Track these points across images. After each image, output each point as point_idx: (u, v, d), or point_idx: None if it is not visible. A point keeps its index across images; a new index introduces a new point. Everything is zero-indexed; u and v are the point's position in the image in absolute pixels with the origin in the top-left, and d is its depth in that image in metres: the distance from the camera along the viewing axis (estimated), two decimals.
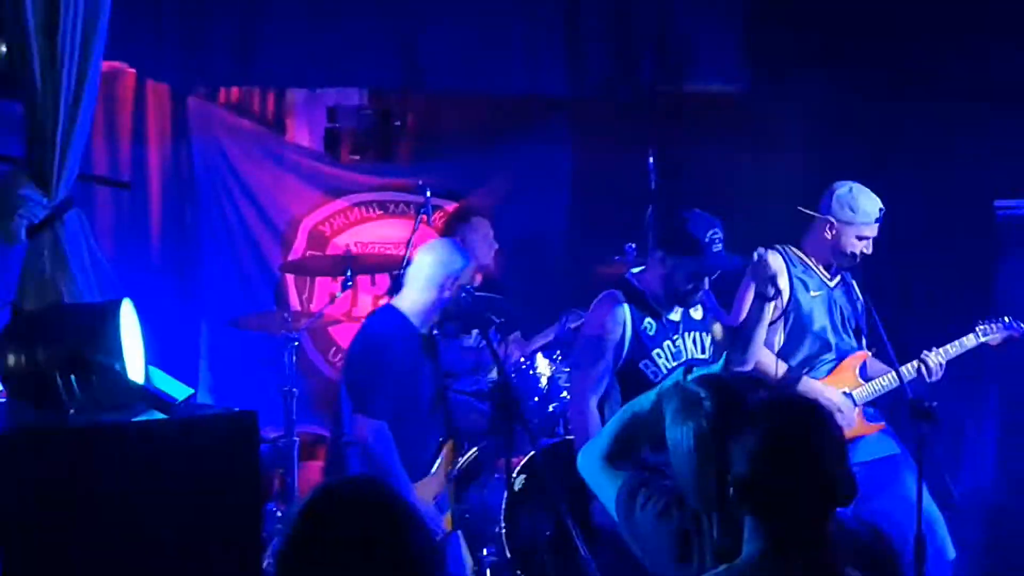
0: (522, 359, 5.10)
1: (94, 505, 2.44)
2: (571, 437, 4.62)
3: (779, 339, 4.32)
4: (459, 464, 4.94)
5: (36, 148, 3.16)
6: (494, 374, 4.91)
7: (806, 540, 1.89)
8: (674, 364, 3.86)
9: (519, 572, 4.71)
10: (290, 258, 5.89)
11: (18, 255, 3.15)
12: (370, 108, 6.39)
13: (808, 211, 4.42)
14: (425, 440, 4.41)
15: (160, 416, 2.68)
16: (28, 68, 3.06)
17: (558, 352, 5.11)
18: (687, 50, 5.37)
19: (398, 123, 6.49)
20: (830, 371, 4.41)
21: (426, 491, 4.29)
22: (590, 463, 2.57)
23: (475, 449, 4.99)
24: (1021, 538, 4.91)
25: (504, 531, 4.62)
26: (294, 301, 5.98)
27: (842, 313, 4.40)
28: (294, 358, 4.83)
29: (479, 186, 6.08)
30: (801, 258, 4.37)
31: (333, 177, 6.07)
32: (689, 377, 2.71)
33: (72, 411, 2.64)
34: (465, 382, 5.21)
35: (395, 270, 5.02)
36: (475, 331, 4.82)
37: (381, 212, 6.17)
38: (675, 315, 3.87)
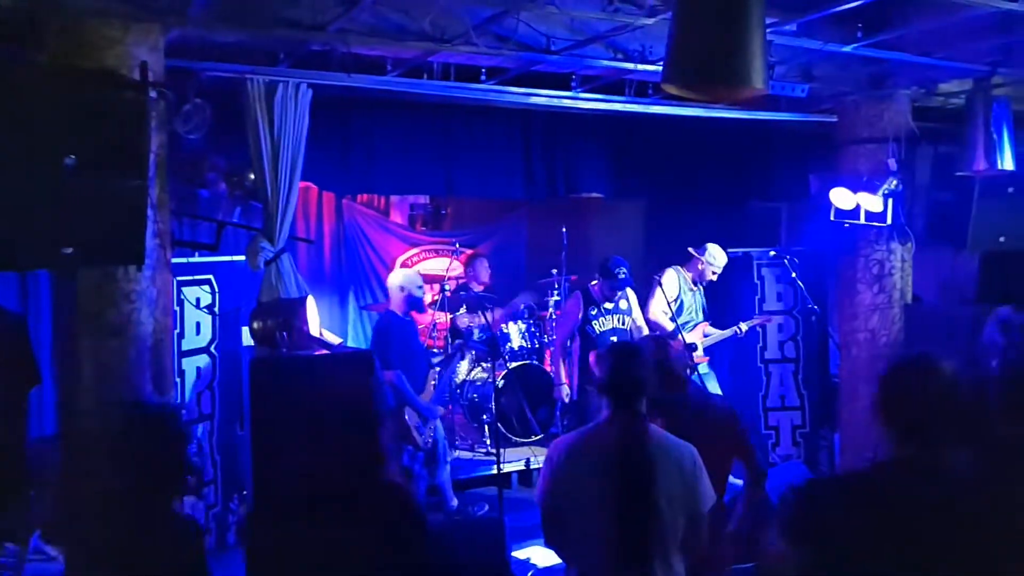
0: (502, 325, 7.40)
1: (296, 396, 3.24)
2: (527, 362, 7.20)
3: (671, 312, 6.27)
4: (465, 378, 7.06)
5: (268, 223, 4.73)
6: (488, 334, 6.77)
7: (633, 411, 2.73)
8: (605, 329, 5.91)
9: (500, 425, 6.54)
10: None
11: (260, 275, 4.83)
12: (430, 204, 8.99)
13: (694, 252, 6.60)
14: (419, 372, 5.82)
15: (324, 352, 3.76)
16: (263, 184, 4.67)
17: (519, 320, 7.48)
18: (582, 175, 6.82)
19: (444, 211, 9.11)
20: (691, 330, 6.52)
21: (425, 397, 5.76)
22: None
23: (482, 365, 7.09)
24: None
25: (492, 406, 6.64)
26: None
27: (697, 303, 6.63)
28: None
29: (482, 242, 8.73)
30: (685, 276, 6.58)
31: (412, 237, 8.61)
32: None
33: (284, 350, 3.67)
34: (476, 339, 7.30)
35: (439, 282, 7.23)
36: (479, 311, 7.04)
37: (435, 253, 8.61)
38: (608, 305, 5.94)
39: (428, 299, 7.21)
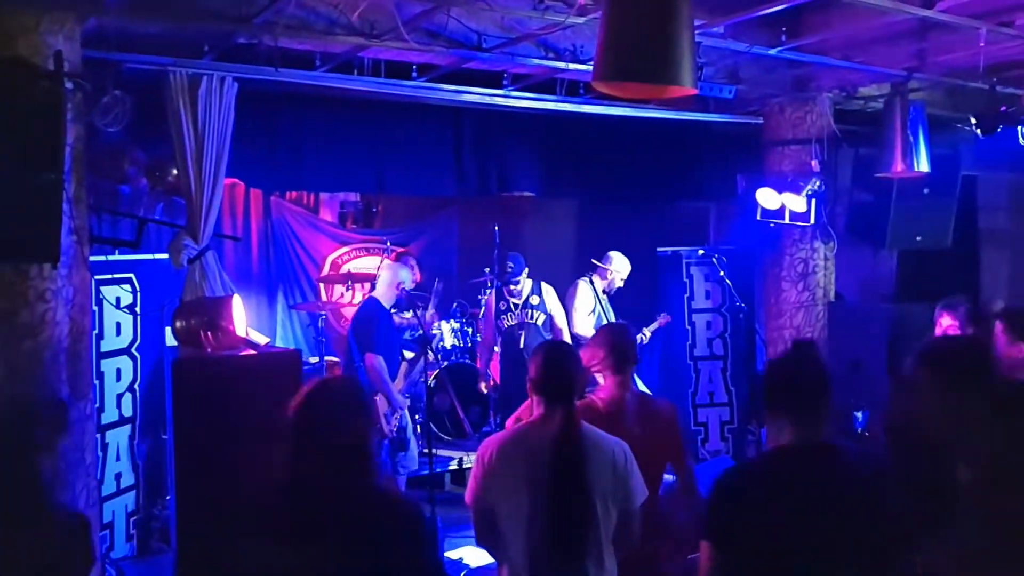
0: (434, 324, 7.40)
1: (221, 397, 3.43)
2: (461, 360, 7.29)
3: (592, 319, 6.64)
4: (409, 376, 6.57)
5: (191, 219, 4.65)
6: (419, 332, 6.60)
7: (566, 409, 2.76)
8: (512, 324, 6.34)
9: (432, 424, 6.62)
10: (321, 275, 8.16)
11: (183, 274, 4.76)
12: (361, 201, 8.80)
13: (598, 263, 6.82)
14: (394, 363, 5.90)
15: (251, 352, 3.85)
16: (187, 181, 4.60)
17: (451, 319, 7.49)
18: (513, 174, 6.84)
19: (375, 209, 8.92)
20: None
21: (399, 384, 5.88)
22: None
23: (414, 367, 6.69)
24: None
25: (424, 405, 6.59)
26: (324, 296, 8.23)
27: (607, 308, 6.88)
28: (322, 324, 7.23)
29: (413, 240, 8.62)
30: (596, 285, 6.81)
31: (342, 235, 8.47)
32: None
33: (209, 350, 3.79)
34: (406, 339, 7.15)
35: (371, 281, 6.84)
36: (410, 311, 6.62)
37: (366, 252, 8.49)
38: (516, 301, 6.34)
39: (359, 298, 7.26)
